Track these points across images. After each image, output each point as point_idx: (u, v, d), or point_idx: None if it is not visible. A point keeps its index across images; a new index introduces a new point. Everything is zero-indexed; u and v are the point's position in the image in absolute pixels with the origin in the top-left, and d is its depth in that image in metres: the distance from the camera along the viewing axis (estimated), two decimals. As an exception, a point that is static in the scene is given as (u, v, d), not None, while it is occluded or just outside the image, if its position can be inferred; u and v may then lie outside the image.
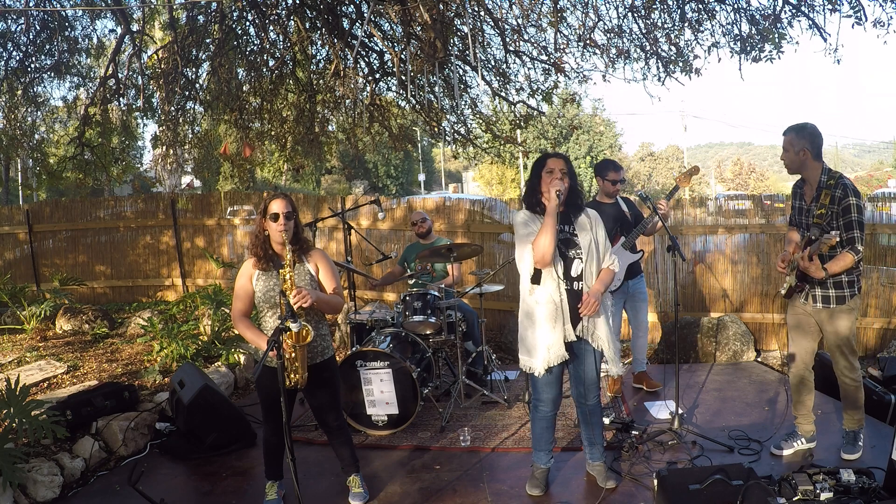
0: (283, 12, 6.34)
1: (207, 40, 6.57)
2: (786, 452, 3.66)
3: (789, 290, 3.55)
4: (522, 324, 3.21)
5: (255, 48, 6.83)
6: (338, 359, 3.55)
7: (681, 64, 5.50)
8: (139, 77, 6.60)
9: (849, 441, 3.53)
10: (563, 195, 3.02)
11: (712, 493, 2.88)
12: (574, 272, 3.11)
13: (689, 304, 6.26)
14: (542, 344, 3.11)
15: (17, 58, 6.96)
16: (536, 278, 3.08)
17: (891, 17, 4.60)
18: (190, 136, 8.02)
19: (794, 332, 3.63)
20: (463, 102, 7.29)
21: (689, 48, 5.50)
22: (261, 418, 3.30)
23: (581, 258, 3.11)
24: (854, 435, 3.52)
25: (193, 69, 6.92)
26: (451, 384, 4.92)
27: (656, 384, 4.84)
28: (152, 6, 7.46)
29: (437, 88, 5.47)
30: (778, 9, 4.91)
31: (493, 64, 6.65)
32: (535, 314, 3.13)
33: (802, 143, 3.31)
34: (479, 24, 5.71)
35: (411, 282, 5.29)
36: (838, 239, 3.14)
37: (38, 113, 8.46)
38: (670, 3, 5.35)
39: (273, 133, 7.86)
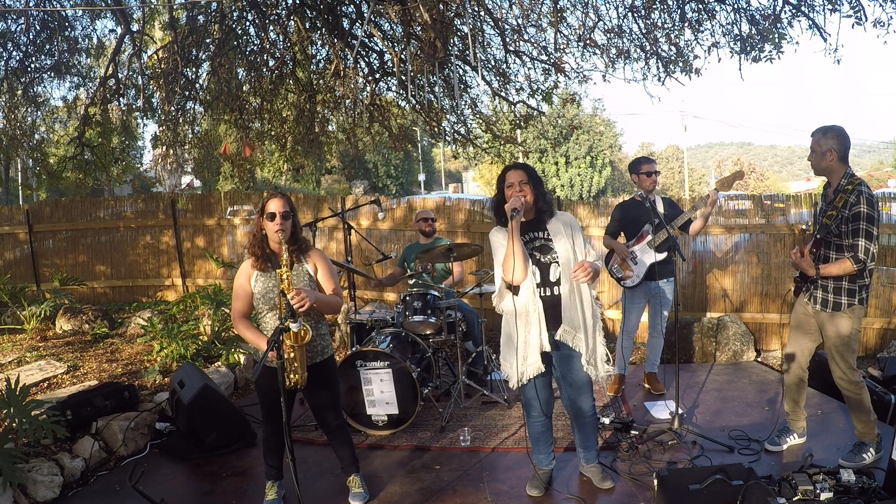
0: (283, 12, 6.34)
1: (207, 40, 6.57)
2: (781, 448, 3.68)
3: (796, 288, 3.55)
4: (503, 332, 3.22)
5: (255, 48, 6.82)
6: (338, 359, 3.55)
7: (681, 64, 5.50)
8: (139, 77, 6.60)
9: (853, 449, 3.49)
10: (522, 210, 2.99)
11: (712, 493, 2.88)
12: (552, 277, 3.10)
13: (689, 304, 6.26)
14: (519, 355, 3.09)
15: (17, 58, 6.96)
16: (516, 289, 3.07)
17: (891, 17, 4.60)
18: (190, 136, 8.02)
19: (793, 331, 3.64)
20: (463, 102, 7.30)
21: (689, 48, 5.50)
22: (261, 418, 3.30)
23: (557, 262, 3.09)
24: (860, 446, 3.47)
25: (193, 69, 6.92)
26: (451, 384, 4.92)
27: (662, 388, 4.83)
28: (152, 6, 7.46)
29: (437, 88, 5.47)
30: (778, 9, 4.91)
31: (493, 64, 6.65)
32: (510, 323, 3.14)
33: (829, 143, 3.25)
34: (479, 24, 5.71)
35: (411, 282, 5.29)
36: (804, 227, 3.16)
37: (38, 113, 8.44)
38: (670, 3, 5.35)
39: (273, 133, 7.86)
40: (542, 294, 3.09)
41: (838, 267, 3.22)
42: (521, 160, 30.05)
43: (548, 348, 3.09)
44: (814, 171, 3.40)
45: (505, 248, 3.04)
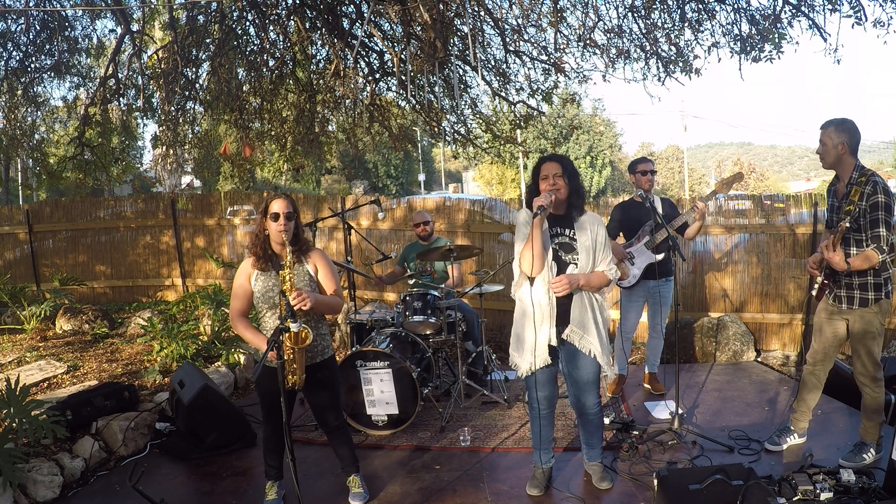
0: (283, 12, 6.34)
1: (207, 40, 6.57)
2: (781, 447, 3.68)
3: (819, 290, 3.51)
4: (516, 321, 3.24)
5: (255, 48, 6.83)
6: (338, 359, 3.55)
7: (681, 64, 5.50)
8: (139, 77, 6.60)
9: (853, 449, 3.49)
10: (549, 208, 2.97)
11: (712, 493, 2.88)
12: None
13: (689, 304, 6.26)
14: (528, 346, 3.11)
15: (17, 58, 6.96)
16: (532, 279, 3.08)
17: (891, 17, 4.60)
18: (190, 136, 8.02)
19: (818, 332, 3.59)
20: (463, 102, 7.30)
21: (689, 48, 5.50)
22: (261, 418, 3.30)
23: (576, 263, 3.08)
24: (860, 446, 3.47)
25: (193, 69, 6.92)
26: (451, 384, 4.92)
27: (662, 388, 4.83)
28: (152, 6, 7.46)
29: (437, 88, 5.47)
30: (778, 9, 4.91)
31: (493, 64, 6.65)
32: (525, 314, 3.14)
33: (841, 137, 3.24)
34: (479, 24, 5.71)
35: (411, 282, 5.29)
36: (847, 225, 3.10)
37: (38, 113, 8.45)
38: (670, 3, 5.35)
39: (273, 133, 7.87)
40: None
41: (864, 258, 3.18)
42: (521, 160, 30.11)
43: (554, 343, 3.10)
44: (823, 165, 3.36)
45: (527, 236, 3.03)
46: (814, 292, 3.53)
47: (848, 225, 3.10)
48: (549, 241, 3.08)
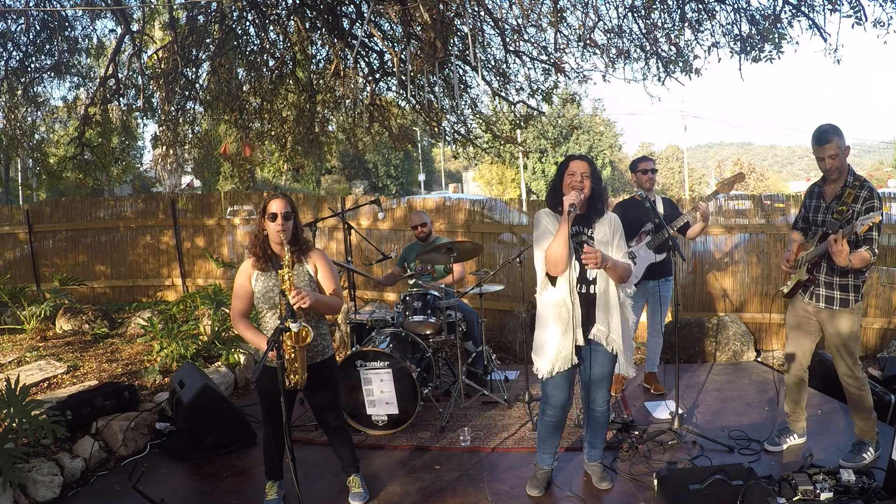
0: (283, 12, 6.34)
1: (207, 40, 6.57)
2: (781, 448, 3.69)
3: (793, 289, 3.53)
4: (536, 323, 3.23)
5: (255, 48, 6.83)
6: (338, 359, 3.55)
7: (681, 64, 5.51)
8: (139, 77, 6.60)
9: (852, 449, 3.50)
10: (577, 208, 2.99)
11: (712, 493, 2.88)
12: (590, 275, 3.10)
13: (689, 304, 6.26)
14: (550, 347, 3.10)
15: (17, 58, 6.96)
16: (553, 279, 3.08)
17: (891, 17, 4.61)
18: (190, 136, 8.03)
19: (792, 331, 3.64)
20: (463, 102, 7.30)
21: (689, 48, 5.51)
22: (261, 418, 3.30)
23: None
24: (859, 445, 3.48)
25: (193, 69, 6.92)
26: (451, 384, 4.92)
27: (662, 388, 4.82)
28: (152, 6, 7.46)
29: (437, 88, 5.47)
30: (778, 9, 4.92)
31: (493, 64, 6.65)
32: (546, 316, 3.13)
33: (843, 142, 3.29)
34: (479, 24, 5.71)
35: (411, 282, 5.29)
36: (871, 223, 3.10)
37: (38, 113, 8.45)
38: (670, 3, 5.35)
39: (273, 133, 7.87)
40: (580, 290, 3.08)
41: (861, 259, 3.21)
42: (521, 160, 30.10)
43: (581, 342, 3.10)
44: (833, 173, 3.32)
45: (551, 236, 3.03)
46: (785, 289, 3.56)
47: (872, 224, 3.11)
48: (570, 241, 3.09)
